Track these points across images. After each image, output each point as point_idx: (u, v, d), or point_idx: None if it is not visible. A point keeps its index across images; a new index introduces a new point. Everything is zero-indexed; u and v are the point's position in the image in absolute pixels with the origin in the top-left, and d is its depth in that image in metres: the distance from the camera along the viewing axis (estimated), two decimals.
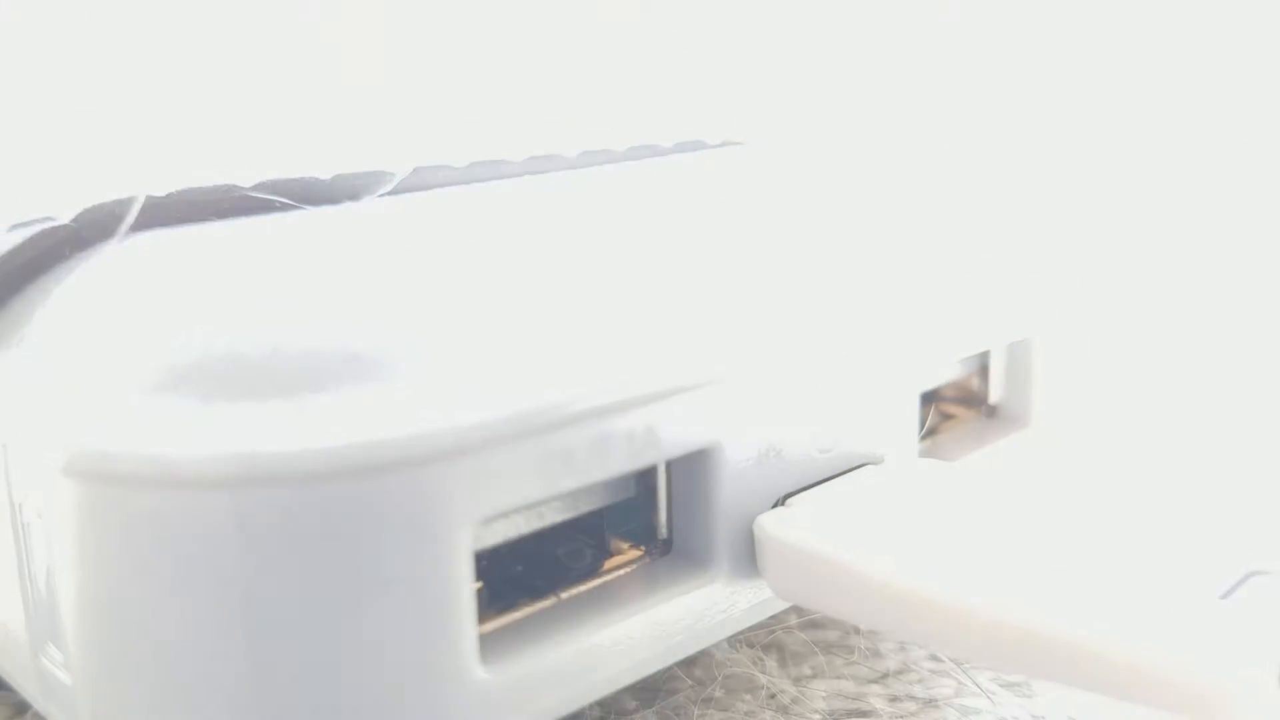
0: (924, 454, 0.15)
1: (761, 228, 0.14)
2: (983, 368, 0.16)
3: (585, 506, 0.12)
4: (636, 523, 0.13)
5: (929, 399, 0.15)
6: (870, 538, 0.12)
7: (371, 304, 0.11)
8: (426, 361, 0.11)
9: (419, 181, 0.15)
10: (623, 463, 0.11)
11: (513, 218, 0.14)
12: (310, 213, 0.13)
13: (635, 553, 0.13)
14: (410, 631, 0.10)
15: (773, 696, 0.14)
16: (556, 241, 0.13)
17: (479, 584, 0.11)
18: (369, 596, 0.10)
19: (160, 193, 0.13)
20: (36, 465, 0.10)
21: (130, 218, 0.13)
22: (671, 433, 0.12)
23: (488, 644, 0.11)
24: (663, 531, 0.13)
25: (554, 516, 0.12)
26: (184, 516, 0.10)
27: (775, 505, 0.13)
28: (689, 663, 0.14)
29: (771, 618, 0.13)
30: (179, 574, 0.10)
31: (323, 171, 0.14)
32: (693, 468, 0.12)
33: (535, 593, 0.12)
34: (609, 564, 0.13)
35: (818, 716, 0.14)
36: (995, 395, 0.17)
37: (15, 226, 0.13)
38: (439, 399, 0.10)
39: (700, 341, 0.12)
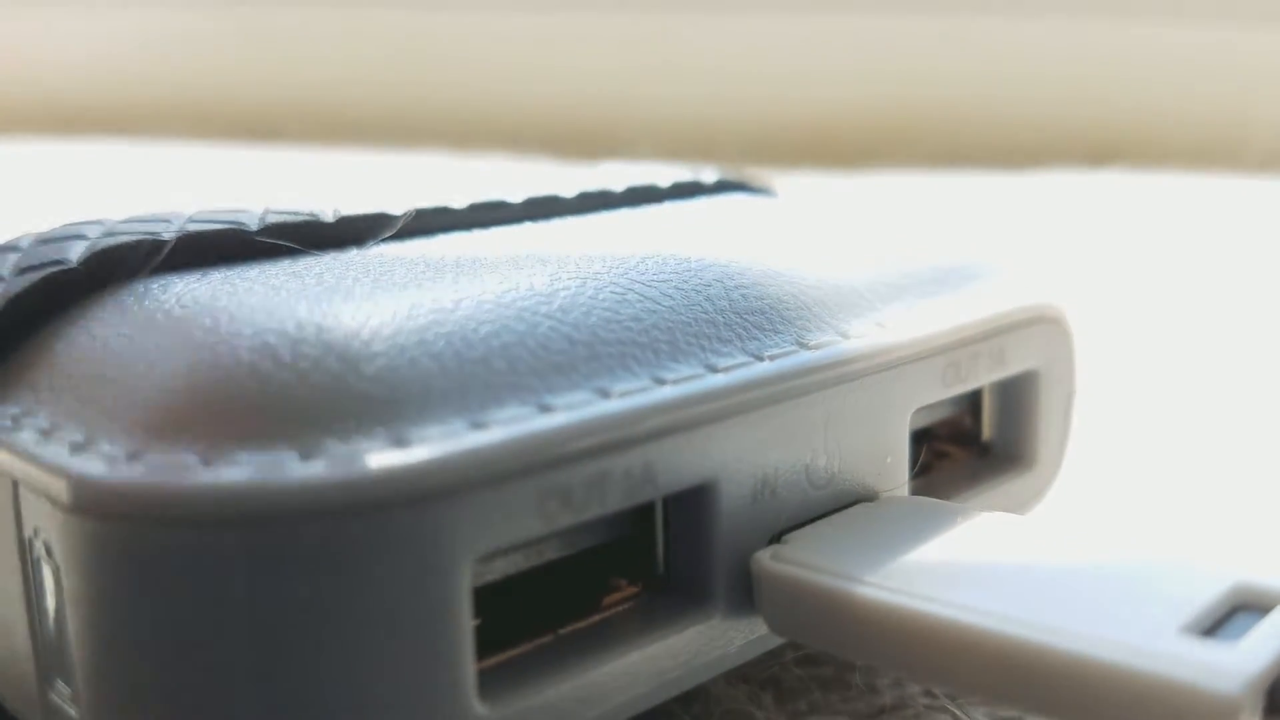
0: (916, 492, 0.15)
1: (751, 269, 0.14)
2: (974, 406, 0.17)
3: (583, 543, 0.12)
4: (633, 559, 0.13)
5: (923, 437, 0.16)
6: (866, 573, 0.12)
7: (374, 345, 0.11)
8: (430, 399, 0.11)
9: (421, 224, 0.15)
10: (620, 500, 0.12)
11: (515, 258, 0.14)
12: (316, 258, 0.14)
13: (632, 589, 0.13)
14: (410, 667, 0.10)
15: None
16: (561, 279, 0.13)
17: (477, 620, 0.11)
18: (370, 632, 0.10)
19: (166, 236, 0.14)
20: (46, 501, 0.11)
21: (156, 260, 0.13)
22: (668, 470, 0.12)
23: (486, 680, 0.11)
24: (659, 568, 0.13)
25: (551, 553, 0.12)
26: (186, 551, 0.10)
27: (771, 542, 0.13)
28: (686, 699, 0.14)
29: (768, 653, 0.14)
30: (182, 609, 0.10)
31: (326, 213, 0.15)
32: (689, 505, 0.12)
33: (532, 629, 0.12)
34: (606, 600, 0.13)
35: None
36: (988, 433, 0.17)
37: (24, 270, 0.13)
38: (441, 436, 0.10)
39: (697, 380, 0.12)
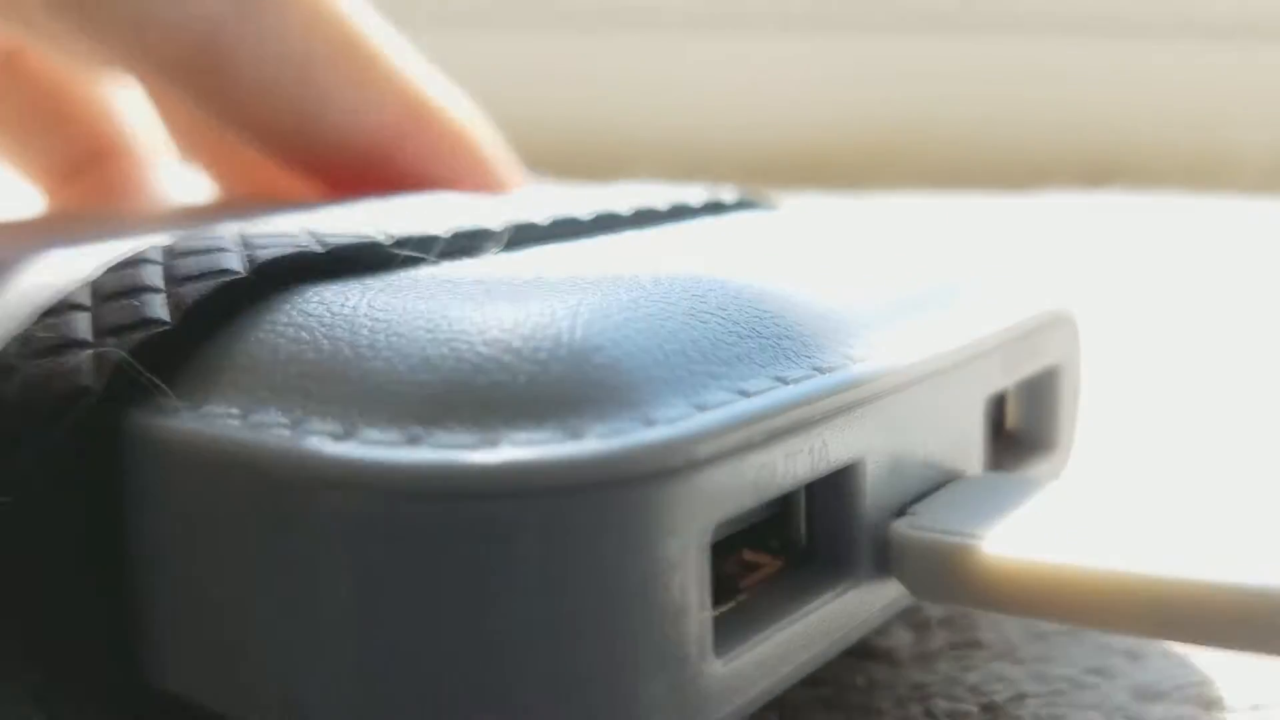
0: None
1: (841, 275, 0.16)
2: (999, 397, 0.19)
3: (747, 521, 0.14)
4: (765, 534, 0.14)
5: None
6: (1000, 534, 0.14)
7: (591, 338, 0.12)
8: (653, 385, 0.12)
9: (514, 238, 0.16)
10: (806, 475, 0.13)
11: (642, 264, 0.15)
12: (450, 266, 0.15)
13: (776, 562, 0.14)
14: (668, 622, 0.11)
15: None
16: (702, 281, 0.14)
17: None
18: (641, 591, 0.11)
19: (316, 248, 0.14)
20: (323, 491, 0.11)
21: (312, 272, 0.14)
22: (837, 448, 0.13)
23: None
24: (804, 541, 0.14)
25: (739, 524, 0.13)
26: (476, 527, 0.11)
27: (901, 514, 0.14)
28: None
29: None
30: (469, 584, 0.11)
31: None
32: (841, 480, 0.14)
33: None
34: (753, 576, 0.14)
35: None
36: (1012, 421, 0.19)
37: (185, 280, 0.13)
38: (679, 417, 0.12)
39: (846, 368, 0.14)
